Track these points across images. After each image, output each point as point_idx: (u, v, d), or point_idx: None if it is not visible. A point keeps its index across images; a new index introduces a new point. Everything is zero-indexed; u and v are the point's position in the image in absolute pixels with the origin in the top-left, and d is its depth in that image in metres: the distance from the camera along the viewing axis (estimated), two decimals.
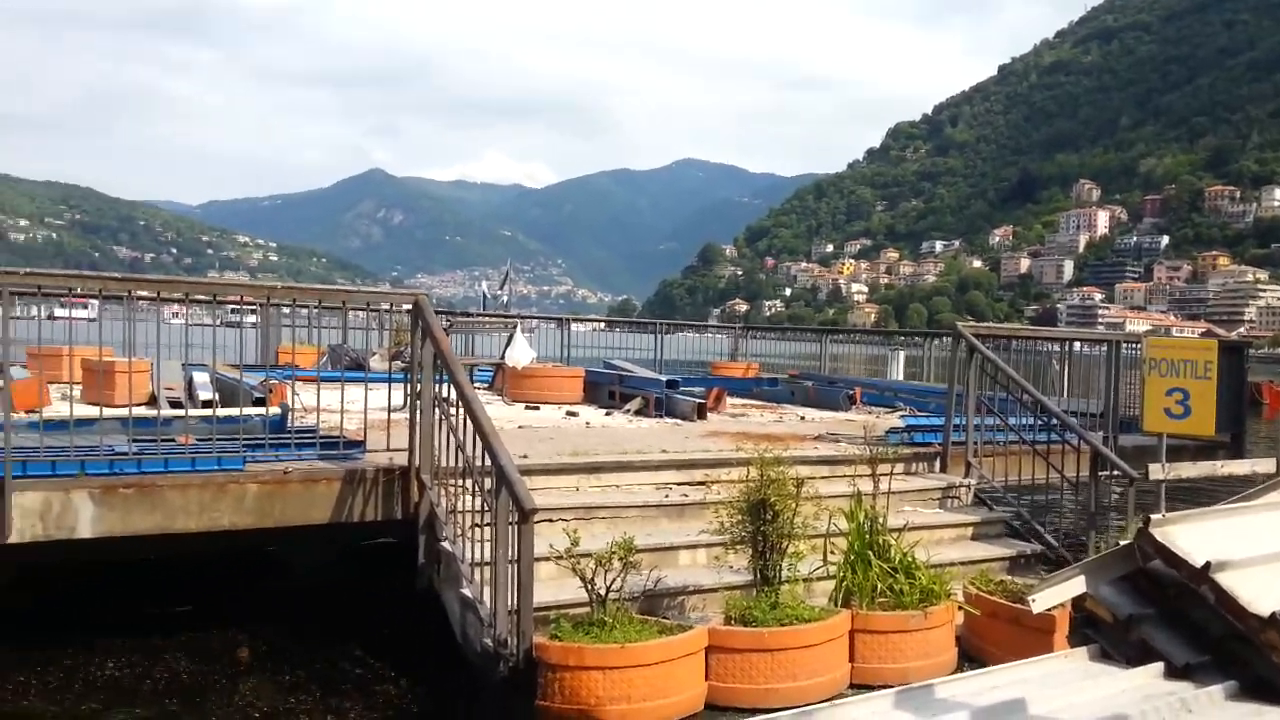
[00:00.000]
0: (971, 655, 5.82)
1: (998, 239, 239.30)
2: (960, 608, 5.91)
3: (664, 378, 11.57)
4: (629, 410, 11.00)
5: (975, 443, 8.21)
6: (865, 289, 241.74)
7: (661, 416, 10.53)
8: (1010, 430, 8.12)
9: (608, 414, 10.82)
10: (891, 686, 4.56)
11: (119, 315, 8.13)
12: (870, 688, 5.01)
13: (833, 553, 6.00)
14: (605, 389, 11.95)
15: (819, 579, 5.92)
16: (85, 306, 10.80)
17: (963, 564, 6.83)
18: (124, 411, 6.50)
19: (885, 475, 6.66)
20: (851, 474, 7.32)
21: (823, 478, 7.45)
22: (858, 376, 16.11)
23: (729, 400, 12.10)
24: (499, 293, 28.83)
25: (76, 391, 7.37)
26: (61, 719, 5.17)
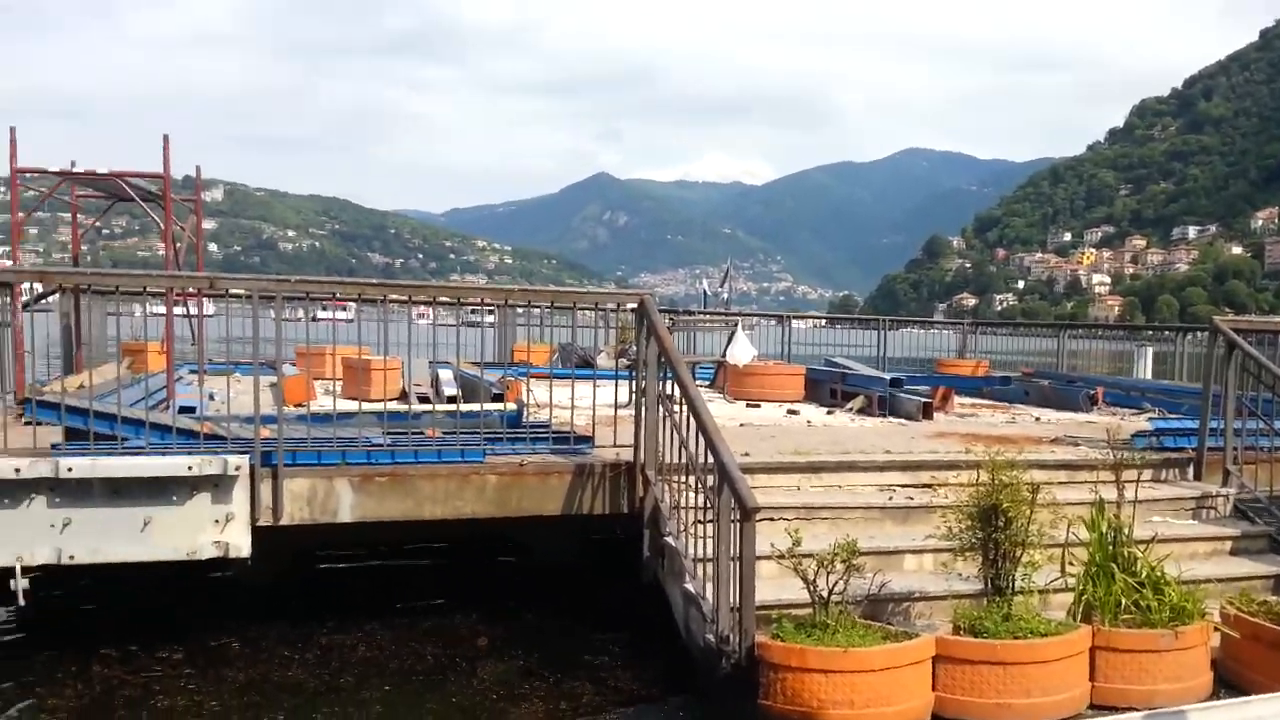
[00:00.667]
0: (1229, 682, 5.37)
1: (1261, 222, 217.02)
2: (1216, 629, 5.46)
3: (887, 375, 11.31)
4: (851, 409, 10.84)
5: (1235, 448, 7.55)
6: (1108, 280, 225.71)
7: (885, 416, 10.32)
8: (1276, 435, 7.41)
9: (829, 412, 10.70)
10: (1137, 710, 4.31)
11: (374, 317, 8.82)
12: (1113, 710, 4.75)
13: (1071, 564, 5.68)
14: (826, 387, 11.82)
15: (1056, 591, 5.64)
16: (345, 309, 11.81)
17: (1219, 581, 6.30)
18: (379, 406, 7.06)
19: (1131, 482, 6.25)
20: (1092, 480, 6.93)
21: (1060, 483, 7.08)
22: (1099, 375, 15.10)
23: (957, 399, 11.69)
24: (720, 290, 29.03)
25: (338, 387, 8.05)
26: (322, 691, 5.69)
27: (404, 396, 8.98)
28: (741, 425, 9.03)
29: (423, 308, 12.29)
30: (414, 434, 6.62)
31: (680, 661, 5.59)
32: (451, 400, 8.69)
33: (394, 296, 7.44)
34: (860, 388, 11.19)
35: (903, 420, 10.02)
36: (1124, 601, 5.34)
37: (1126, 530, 5.70)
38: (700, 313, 18.78)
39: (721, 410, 9.98)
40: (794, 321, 17.15)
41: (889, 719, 4.71)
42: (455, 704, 5.52)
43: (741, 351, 12.45)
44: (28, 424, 6.03)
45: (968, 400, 12.41)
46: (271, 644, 6.34)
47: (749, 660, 4.80)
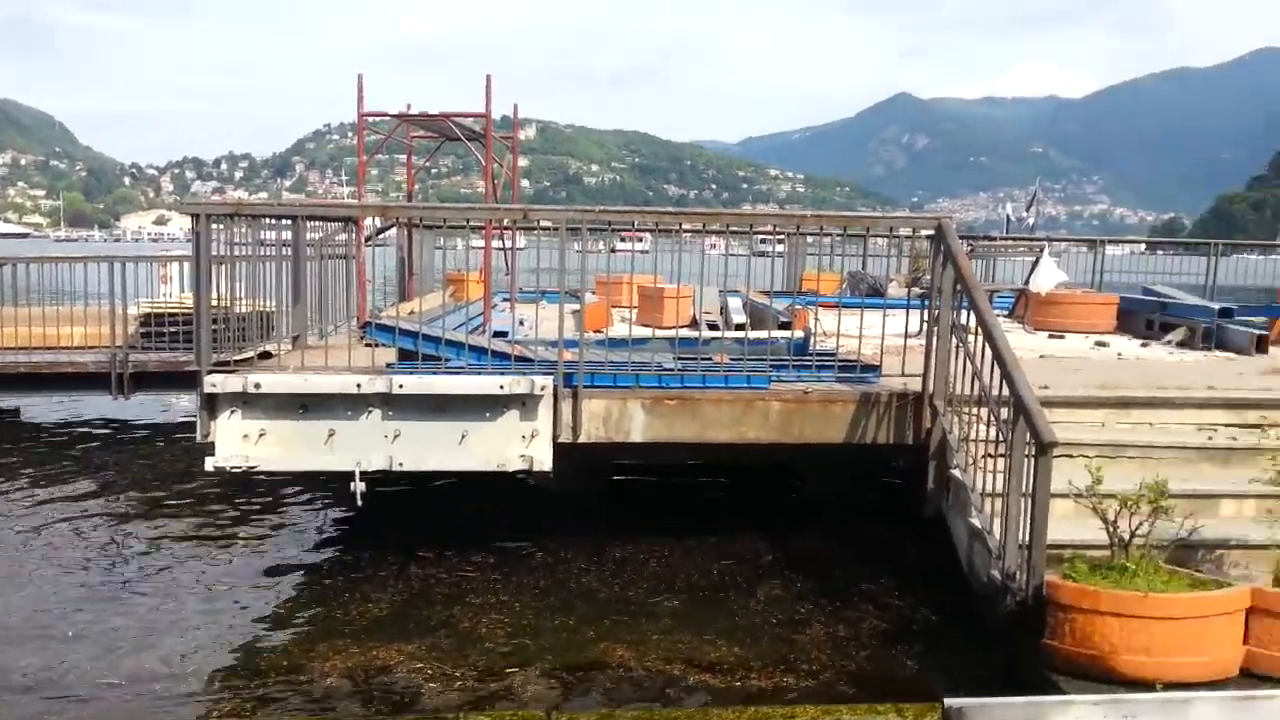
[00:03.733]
0: None
1: None
2: None
3: (1215, 305, 10.26)
4: (1170, 341, 9.95)
5: None
6: None
7: (1210, 349, 9.39)
8: None
9: (1144, 345, 9.89)
10: None
11: (668, 247, 9.14)
12: None
13: None
14: (1142, 317, 10.90)
15: None
16: (641, 240, 12.30)
17: None
18: (670, 333, 7.38)
19: None
20: None
21: None
22: None
23: None
24: (1025, 215, 27.20)
25: (633, 314, 8.46)
26: (613, 600, 6.13)
27: (694, 324, 9.28)
28: (1042, 357, 8.57)
29: (714, 238, 12.56)
30: (703, 360, 6.87)
31: (958, 598, 5.53)
32: (740, 328, 8.89)
33: (687, 226, 7.68)
34: (1182, 318, 10.22)
35: (1231, 354, 9.09)
36: None
37: None
38: (1001, 238, 17.77)
39: (1021, 341, 9.51)
40: (1108, 247, 15.84)
41: (1189, 670, 4.42)
42: (738, 623, 5.76)
43: (1046, 278, 11.70)
44: (367, 345, 6.84)
45: None
46: (570, 554, 6.89)
47: (1035, 599, 4.66)
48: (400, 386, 6.06)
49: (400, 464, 6.17)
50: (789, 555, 6.85)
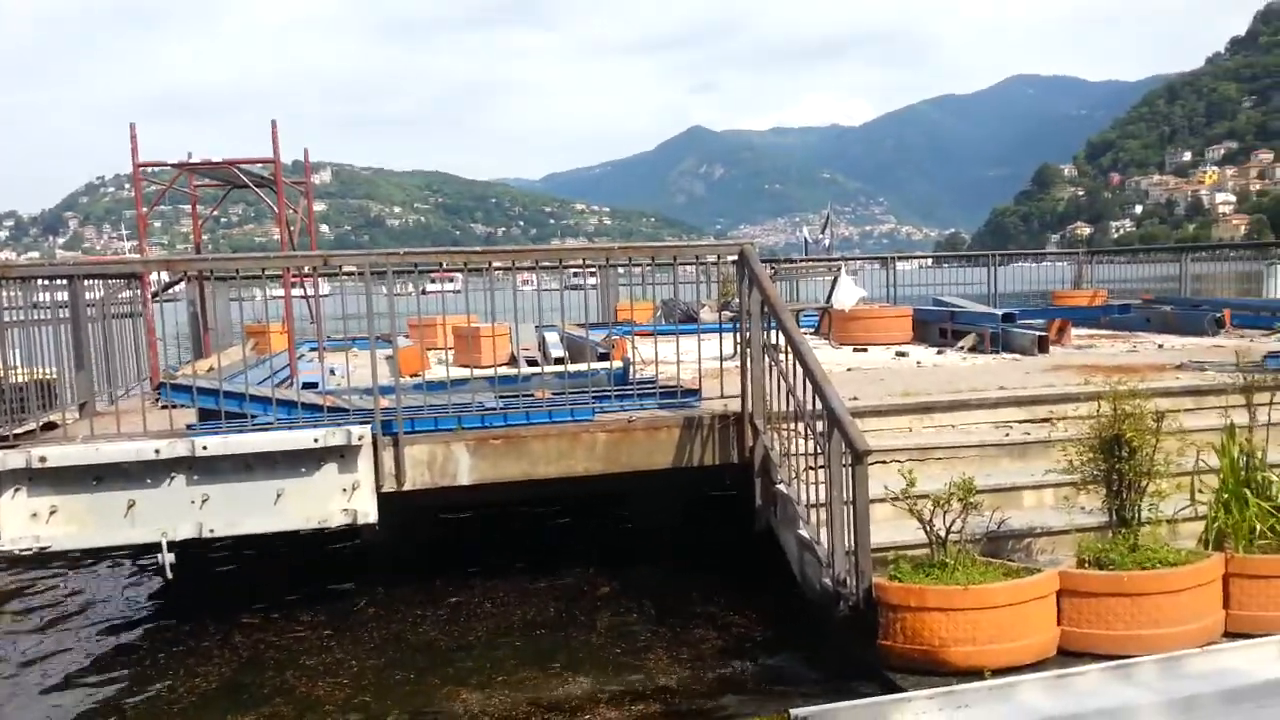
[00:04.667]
0: None
1: None
2: None
3: (999, 311, 11.02)
4: (962, 347, 10.61)
5: None
6: (1232, 198, 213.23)
7: (998, 352, 10.07)
8: None
9: (939, 352, 10.50)
10: (1274, 634, 4.17)
11: (480, 286, 9.01)
12: (1248, 637, 4.60)
13: (1201, 491, 5.51)
14: (935, 327, 11.59)
15: (1185, 520, 5.48)
16: (452, 280, 12.09)
17: None
18: (490, 371, 7.25)
19: (1263, 405, 6.00)
20: (1221, 405, 6.67)
21: (1186, 410, 6.82)
22: (1226, 298, 14.40)
23: (1074, 331, 11.32)
24: (821, 237, 28.56)
25: (450, 356, 8.28)
26: (454, 649, 5.93)
27: (513, 361, 9.17)
28: (849, 370, 8.95)
29: (526, 273, 12.49)
30: (525, 397, 6.78)
31: (795, 607, 5.64)
32: (559, 362, 8.85)
33: (498, 264, 7.59)
34: (971, 325, 10.93)
35: (1016, 356, 9.77)
36: (1259, 527, 5.18)
37: (1260, 455, 5.49)
38: (801, 260, 18.55)
39: (828, 356, 9.90)
40: (899, 263, 16.80)
41: (1013, 654, 4.67)
42: (582, 657, 5.68)
43: (846, 295, 12.28)
44: (164, 407, 6.39)
45: (1085, 332, 12.01)
46: (402, 604, 6.64)
47: (866, 602, 4.81)
48: (204, 448, 5.68)
49: (211, 530, 5.78)
50: (626, 583, 6.83)
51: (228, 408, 6.14)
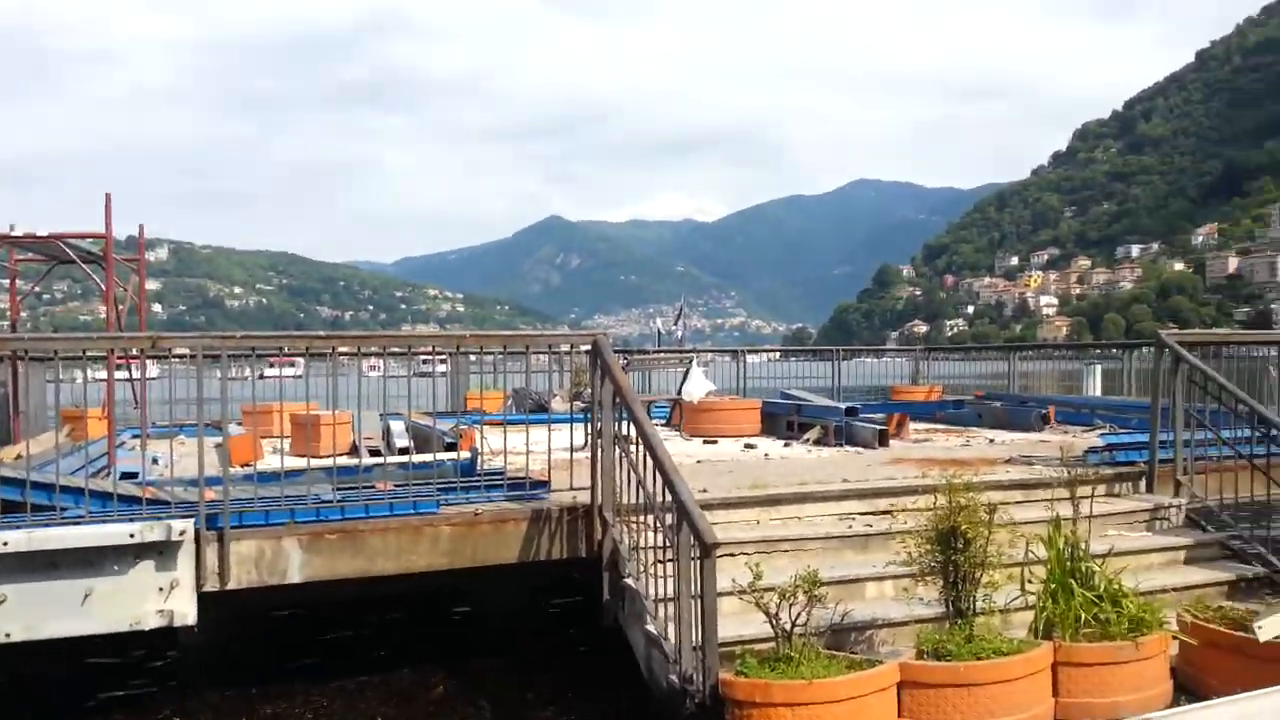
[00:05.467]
0: (1188, 688, 5.40)
1: (1201, 238, 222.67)
2: (1175, 637, 5.50)
3: (842, 405, 11.36)
4: (808, 440, 10.85)
5: (1185, 459, 7.65)
6: (1055, 301, 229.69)
7: (841, 445, 10.34)
8: (1224, 444, 7.52)
9: (786, 445, 10.71)
10: None
11: (323, 371, 8.68)
12: None
13: (1031, 581, 5.70)
14: (783, 420, 11.84)
15: (1017, 610, 5.64)
16: (293, 365, 11.65)
17: (1175, 590, 6.35)
18: (328, 462, 6.94)
19: (1086, 498, 6.32)
20: (1048, 498, 6.97)
21: (1016, 503, 7.12)
22: (1050, 394, 15.32)
23: (912, 425, 11.77)
24: (674, 329, 29.10)
25: (286, 445, 7.91)
26: None
27: (354, 451, 8.84)
28: (699, 462, 9.00)
29: (373, 359, 12.16)
30: (365, 489, 6.50)
31: (641, 706, 5.50)
32: (404, 452, 8.57)
33: (342, 349, 7.33)
34: (816, 418, 11.22)
35: (859, 448, 10.05)
36: (1084, 616, 5.37)
37: (1083, 545, 5.73)
38: (655, 351, 18.78)
39: (678, 448, 9.95)
40: (748, 356, 17.22)
41: None
42: None
43: (697, 387, 12.44)
44: None
45: (922, 425, 12.50)
46: (212, 716, 6.11)
47: (713, 699, 4.73)
48: (4, 544, 5.17)
49: (7, 635, 5.24)
50: (464, 683, 6.51)
51: (35, 499, 5.65)
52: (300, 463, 7.35)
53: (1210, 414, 7.71)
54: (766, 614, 4.99)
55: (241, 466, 7.40)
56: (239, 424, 9.37)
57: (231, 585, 5.70)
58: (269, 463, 8.14)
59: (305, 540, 5.86)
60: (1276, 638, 4.45)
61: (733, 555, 5.98)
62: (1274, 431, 7.14)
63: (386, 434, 9.97)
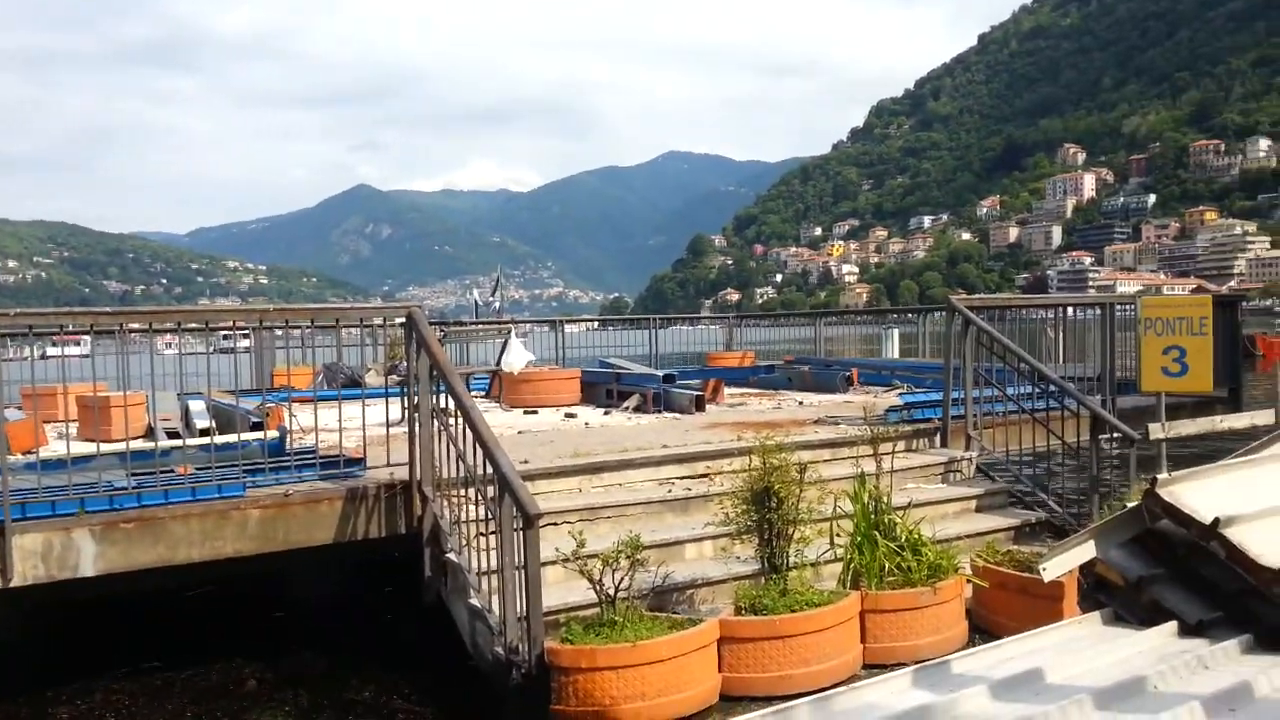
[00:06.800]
0: (982, 628, 5.82)
1: (985, 210, 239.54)
2: (969, 581, 5.91)
3: (660, 372, 11.55)
4: (627, 408, 10.99)
5: (975, 415, 8.21)
6: (856, 269, 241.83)
7: (660, 412, 10.52)
8: (1009, 400, 8.12)
9: (606, 413, 10.80)
10: (905, 665, 4.56)
11: (112, 350, 8.09)
12: (884, 667, 5.01)
13: (839, 535, 5.99)
14: (602, 388, 11.93)
15: (827, 562, 5.92)
16: (78, 343, 10.78)
17: (969, 537, 6.83)
18: (121, 446, 6.48)
19: (887, 454, 6.67)
20: (854, 455, 7.33)
21: (825, 461, 7.46)
22: (853, 358, 16.10)
23: (726, 390, 12.10)
24: (491, 300, 28.79)
25: (73, 429, 7.35)
26: None
27: (150, 434, 8.29)
28: (520, 433, 8.95)
29: (168, 336, 11.43)
30: (164, 473, 6.11)
31: (469, 681, 5.45)
32: (205, 433, 8.11)
33: (133, 325, 6.87)
34: (635, 386, 11.36)
35: (677, 414, 10.25)
36: (887, 565, 5.69)
37: (886, 499, 6.06)
38: (472, 323, 18.52)
39: (499, 419, 9.87)
40: (567, 326, 17.23)
41: (680, 705, 4.78)
42: None
43: (516, 359, 12.35)
44: None
45: (737, 390, 12.88)
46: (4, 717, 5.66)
47: (539, 668, 4.74)
48: None
49: None
50: (281, 672, 6.24)
51: None
52: (90, 448, 6.84)
53: (996, 372, 8.30)
54: (590, 580, 5.03)
55: (22, 455, 6.81)
56: (18, 408, 8.61)
57: (16, 582, 5.25)
58: (54, 449, 7.53)
59: (98, 530, 5.47)
60: (1058, 577, 4.84)
61: (555, 524, 6.00)
62: (1052, 387, 7.76)
63: (185, 415, 9.40)
